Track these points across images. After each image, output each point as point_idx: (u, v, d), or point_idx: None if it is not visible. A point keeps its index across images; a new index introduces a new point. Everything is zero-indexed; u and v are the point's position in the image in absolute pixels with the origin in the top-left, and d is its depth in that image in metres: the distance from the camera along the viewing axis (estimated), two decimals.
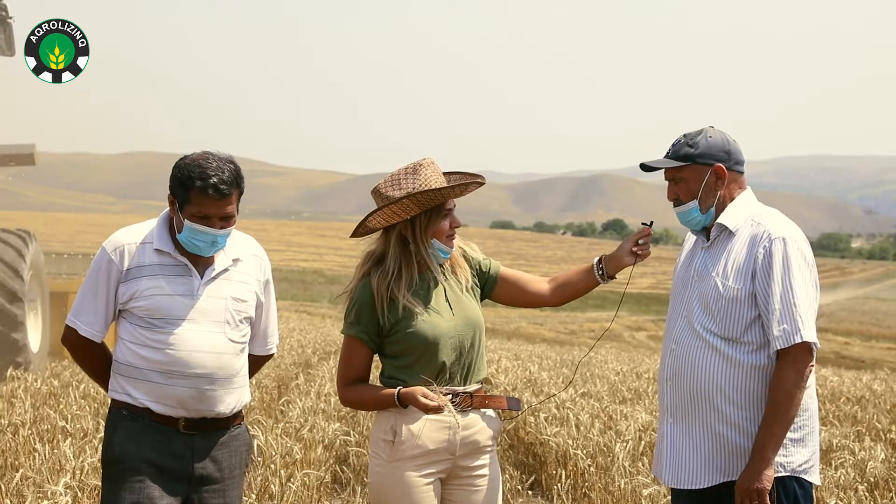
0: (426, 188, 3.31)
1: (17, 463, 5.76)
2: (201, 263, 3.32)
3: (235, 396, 3.37)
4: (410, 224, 3.38)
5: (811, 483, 3.24)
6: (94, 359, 3.41)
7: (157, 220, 3.36)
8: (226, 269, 3.35)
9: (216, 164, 3.22)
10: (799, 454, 3.22)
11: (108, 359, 3.40)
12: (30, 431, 6.40)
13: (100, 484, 3.81)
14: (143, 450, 3.24)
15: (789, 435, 3.19)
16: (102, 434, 3.42)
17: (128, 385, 3.28)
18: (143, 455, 3.23)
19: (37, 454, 5.83)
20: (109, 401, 3.39)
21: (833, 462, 6.15)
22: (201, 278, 3.30)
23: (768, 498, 3.11)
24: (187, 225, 3.23)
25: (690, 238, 3.48)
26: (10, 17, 11.89)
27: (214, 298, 3.31)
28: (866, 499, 5.20)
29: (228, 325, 3.34)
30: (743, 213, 3.30)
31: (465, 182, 3.39)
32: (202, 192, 3.19)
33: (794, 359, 3.12)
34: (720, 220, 3.30)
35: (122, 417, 3.28)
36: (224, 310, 3.33)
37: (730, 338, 3.22)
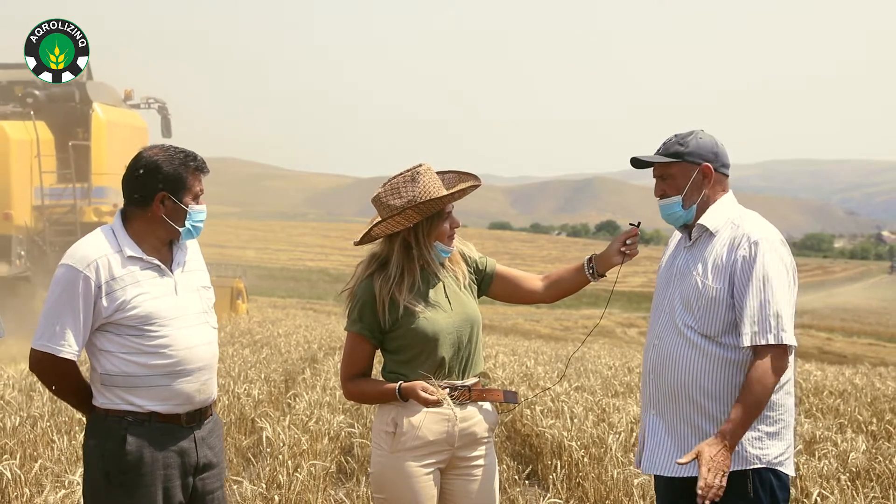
0: (427, 197, 3.31)
1: (35, 454, 5.76)
2: (166, 261, 3.27)
3: (216, 380, 3.38)
4: (413, 230, 3.38)
5: (787, 474, 3.25)
6: (70, 379, 3.24)
7: (109, 230, 3.24)
8: (186, 261, 3.32)
9: (179, 147, 3.26)
10: (775, 447, 3.22)
11: (80, 376, 3.26)
12: (48, 423, 6.41)
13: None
14: (157, 453, 3.17)
15: (765, 429, 3.20)
16: (91, 442, 3.22)
17: (127, 394, 3.16)
18: (158, 458, 3.17)
19: (55, 445, 5.84)
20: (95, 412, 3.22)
21: (816, 453, 6.15)
22: (172, 274, 3.26)
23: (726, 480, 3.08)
24: (191, 210, 3.23)
25: (675, 238, 3.48)
26: (170, 114, 18.73)
27: (189, 292, 3.28)
28: (848, 488, 5.20)
29: (206, 314, 3.33)
30: (723, 215, 3.29)
31: (464, 188, 3.40)
32: (197, 171, 3.24)
33: (771, 355, 3.11)
34: (701, 221, 3.30)
35: (128, 424, 3.16)
36: (199, 300, 3.31)
37: (709, 335, 3.21)
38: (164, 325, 3.18)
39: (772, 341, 3.10)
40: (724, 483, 3.08)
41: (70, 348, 3.14)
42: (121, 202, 3.35)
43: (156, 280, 3.21)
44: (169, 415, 3.21)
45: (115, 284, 3.14)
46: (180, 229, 3.24)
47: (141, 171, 3.20)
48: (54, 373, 3.21)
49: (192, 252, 3.37)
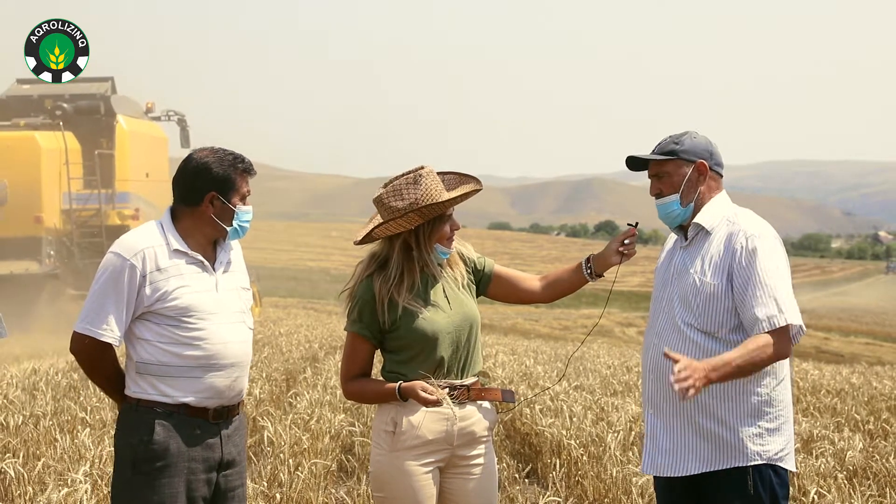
0: (429, 201, 3.30)
1: (38, 452, 5.76)
2: (210, 259, 3.33)
3: (247, 379, 3.43)
4: (414, 233, 3.37)
5: (787, 470, 3.25)
6: (108, 364, 3.30)
7: (158, 224, 3.31)
8: (229, 262, 3.38)
9: (228, 149, 3.33)
10: (775, 443, 3.22)
11: (117, 363, 3.32)
12: (51, 422, 6.41)
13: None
14: (183, 444, 3.21)
15: (765, 425, 3.19)
16: (121, 433, 3.27)
17: (160, 384, 3.22)
18: (184, 451, 3.21)
19: (57, 444, 5.83)
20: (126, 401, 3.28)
21: (814, 451, 6.15)
22: (214, 272, 3.32)
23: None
24: (239, 211, 3.30)
25: (670, 239, 3.49)
26: (188, 126, 20.33)
27: (229, 290, 3.34)
28: (845, 486, 5.21)
29: (243, 314, 3.38)
30: (718, 214, 3.31)
31: (466, 191, 3.39)
32: (245, 173, 3.32)
33: (780, 339, 3.10)
34: (697, 219, 3.31)
35: (157, 415, 3.20)
36: (237, 300, 3.37)
37: (709, 331, 3.22)
38: (202, 318, 3.24)
39: (783, 323, 3.09)
40: (699, 388, 2.96)
41: (111, 333, 3.20)
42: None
43: (199, 275, 3.27)
44: (198, 408, 3.25)
45: (160, 275, 3.21)
46: (227, 229, 3.31)
47: (192, 172, 3.28)
48: (93, 356, 3.27)
49: (235, 253, 3.44)
